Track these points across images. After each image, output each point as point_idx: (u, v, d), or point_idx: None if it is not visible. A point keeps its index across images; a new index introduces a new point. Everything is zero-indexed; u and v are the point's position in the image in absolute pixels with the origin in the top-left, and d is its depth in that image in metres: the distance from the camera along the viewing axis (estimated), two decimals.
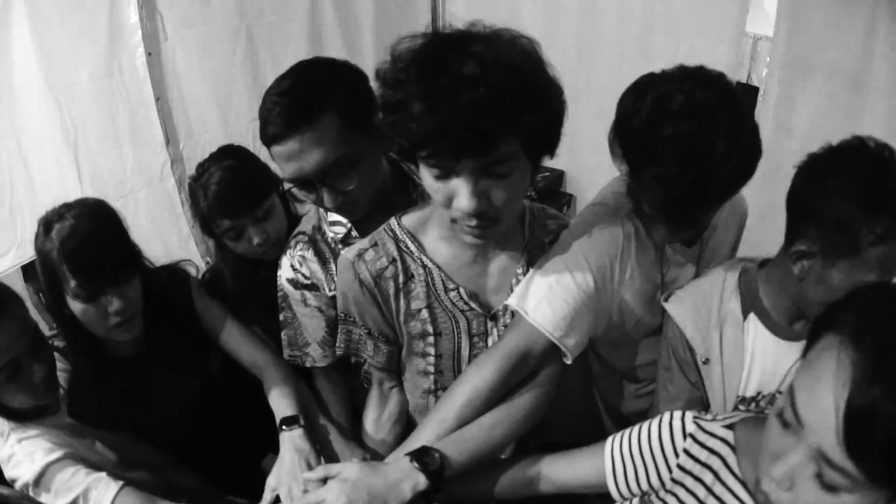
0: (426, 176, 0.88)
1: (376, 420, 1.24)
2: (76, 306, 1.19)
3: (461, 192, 0.85)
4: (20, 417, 1.13)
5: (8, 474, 1.11)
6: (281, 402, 1.27)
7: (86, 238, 1.15)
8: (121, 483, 1.12)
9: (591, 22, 3.00)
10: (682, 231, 1.13)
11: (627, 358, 1.29)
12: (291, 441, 1.19)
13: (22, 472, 1.09)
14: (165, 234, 2.45)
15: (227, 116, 2.55)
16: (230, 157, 1.39)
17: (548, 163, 0.98)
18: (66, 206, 1.20)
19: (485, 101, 0.76)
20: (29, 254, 2.08)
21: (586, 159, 3.06)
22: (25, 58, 2.11)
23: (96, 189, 2.26)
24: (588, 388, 1.40)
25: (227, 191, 1.34)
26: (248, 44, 2.50)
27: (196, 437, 1.38)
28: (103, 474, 1.12)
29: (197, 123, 2.48)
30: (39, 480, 1.09)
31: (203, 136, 2.50)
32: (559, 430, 1.18)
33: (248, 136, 2.56)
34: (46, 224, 1.17)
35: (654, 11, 2.85)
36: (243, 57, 2.51)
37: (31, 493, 1.09)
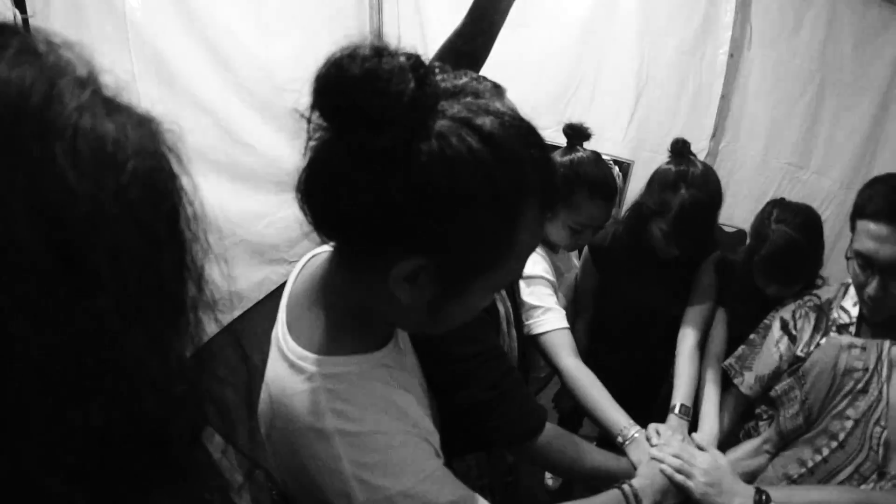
0: None
1: (734, 460, 1.28)
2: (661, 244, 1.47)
3: None
4: (545, 244, 1.48)
5: None
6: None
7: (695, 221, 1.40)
8: (567, 326, 1.35)
9: None
10: None
11: None
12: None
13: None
14: None
15: (770, 150, 2.40)
16: (802, 230, 1.33)
17: None
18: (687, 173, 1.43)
19: None
20: None
21: None
22: (626, 13, 2.32)
23: (640, 130, 2.40)
24: None
25: (780, 266, 1.35)
26: (818, 92, 2.32)
27: (633, 358, 1.61)
28: (556, 311, 1.35)
29: (742, 134, 2.41)
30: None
31: (743, 149, 2.43)
32: None
33: (777, 174, 2.42)
34: (676, 180, 1.41)
35: None
36: (808, 101, 2.33)
37: None
